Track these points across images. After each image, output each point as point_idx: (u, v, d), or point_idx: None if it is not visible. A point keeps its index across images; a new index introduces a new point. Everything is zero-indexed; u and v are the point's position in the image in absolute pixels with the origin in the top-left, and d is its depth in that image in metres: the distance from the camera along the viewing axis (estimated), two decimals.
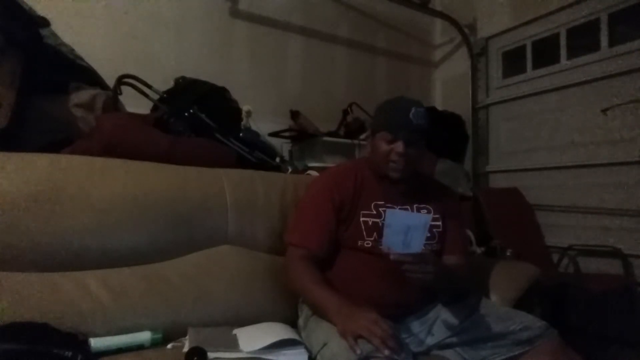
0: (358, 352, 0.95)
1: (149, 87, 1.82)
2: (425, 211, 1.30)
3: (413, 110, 1.21)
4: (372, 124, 1.38)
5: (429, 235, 1.12)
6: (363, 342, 0.97)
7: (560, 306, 2.37)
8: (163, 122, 1.70)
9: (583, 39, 2.72)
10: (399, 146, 1.23)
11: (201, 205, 1.41)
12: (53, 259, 1.17)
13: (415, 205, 1.31)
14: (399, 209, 1.26)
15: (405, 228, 1.04)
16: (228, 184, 1.49)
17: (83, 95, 1.61)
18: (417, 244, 1.06)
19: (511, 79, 3.15)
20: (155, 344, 1.13)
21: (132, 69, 1.80)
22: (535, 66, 2.98)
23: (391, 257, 1.04)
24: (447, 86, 3.59)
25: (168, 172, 1.42)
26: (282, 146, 2.58)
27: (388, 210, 1.08)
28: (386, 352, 0.94)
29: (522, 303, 1.42)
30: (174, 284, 1.28)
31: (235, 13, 2.65)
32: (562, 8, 2.77)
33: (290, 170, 2.01)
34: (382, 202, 1.28)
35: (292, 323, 1.29)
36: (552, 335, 1.15)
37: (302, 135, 2.57)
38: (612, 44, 2.56)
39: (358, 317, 1.02)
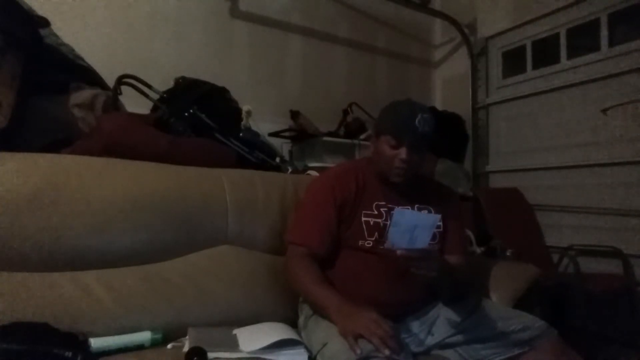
0: (358, 351, 0.95)
1: (149, 87, 1.82)
2: (426, 211, 1.30)
3: (419, 116, 1.20)
4: (376, 125, 1.36)
5: None
6: (363, 341, 0.97)
7: (560, 306, 2.37)
8: (163, 122, 1.70)
9: (583, 39, 2.72)
10: (403, 152, 1.22)
11: (201, 205, 1.41)
12: (53, 259, 1.17)
13: (416, 206, 1.31)
14: (400, 208, 1.26)
15: (412, 228, 1.04)
16: (228, 184, 1.49)
17: (83, 95, 1.61)
18: (422, 244, 1.06)
19: (511, 79, 3.15)
20: (155, 344, 1.13)
21: (132, 69, 1.80)
22: (535, 66, 2.98)
23: (398, 252, 1.03)
24: (447, 86, 3.59)
25: (168, 172, 1.42)
26: (282, 146, 2.58)
27: (397, 210, 1.07)
28: (386, 352, 0.94)
29: (522, 303, 1.42)
30: (174, 284, 1.28)
31: (235, 13, 2.65)
32: (562, 8, 2.77)
33: (290, 170, 2.01)
34: (384, 203, 1.29)
35: (292, 323, 1.28)
36: (552, 335, 1.16)
37: (302, 135, 2.57)
38: (612, 44, 2.56)
39: (358, 317, 1.02)
